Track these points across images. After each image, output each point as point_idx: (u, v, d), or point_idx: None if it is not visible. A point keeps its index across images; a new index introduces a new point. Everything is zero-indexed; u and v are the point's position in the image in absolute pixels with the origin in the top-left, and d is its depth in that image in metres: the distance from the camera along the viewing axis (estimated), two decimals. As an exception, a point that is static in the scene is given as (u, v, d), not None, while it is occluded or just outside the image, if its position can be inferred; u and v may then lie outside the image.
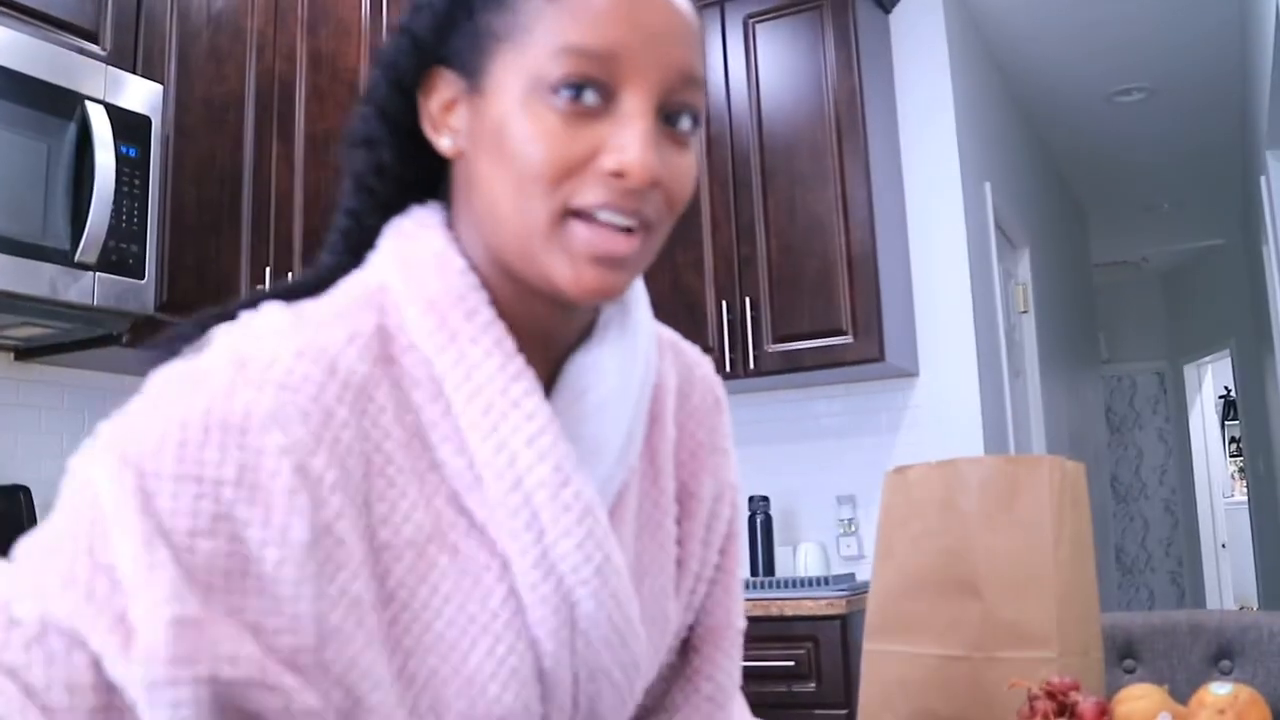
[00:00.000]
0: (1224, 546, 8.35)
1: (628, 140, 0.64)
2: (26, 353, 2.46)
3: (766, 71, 3.31)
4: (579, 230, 0.65)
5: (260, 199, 2.65)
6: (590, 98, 0.65)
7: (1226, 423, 8.98)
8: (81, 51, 2.22)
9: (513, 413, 0.66)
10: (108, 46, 2.30)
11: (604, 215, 0.65)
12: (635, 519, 0.76)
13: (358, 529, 0.61)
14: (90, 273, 2.13)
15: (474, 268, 0.70)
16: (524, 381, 0.67)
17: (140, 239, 2.23)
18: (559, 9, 0.65)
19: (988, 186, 3.92)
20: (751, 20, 3.35)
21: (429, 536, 0.65)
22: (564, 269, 0.65)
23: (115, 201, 2.16)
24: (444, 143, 0.71)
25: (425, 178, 0.74)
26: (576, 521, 0.67)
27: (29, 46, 2.08)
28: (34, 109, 2.07)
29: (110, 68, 2.23)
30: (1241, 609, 7.68)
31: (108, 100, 2.19)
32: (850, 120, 3.18)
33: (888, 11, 3.57)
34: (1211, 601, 8.10)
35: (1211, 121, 5.30)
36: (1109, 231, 7.18)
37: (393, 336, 0.67)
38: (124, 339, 2.32)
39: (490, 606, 0.66)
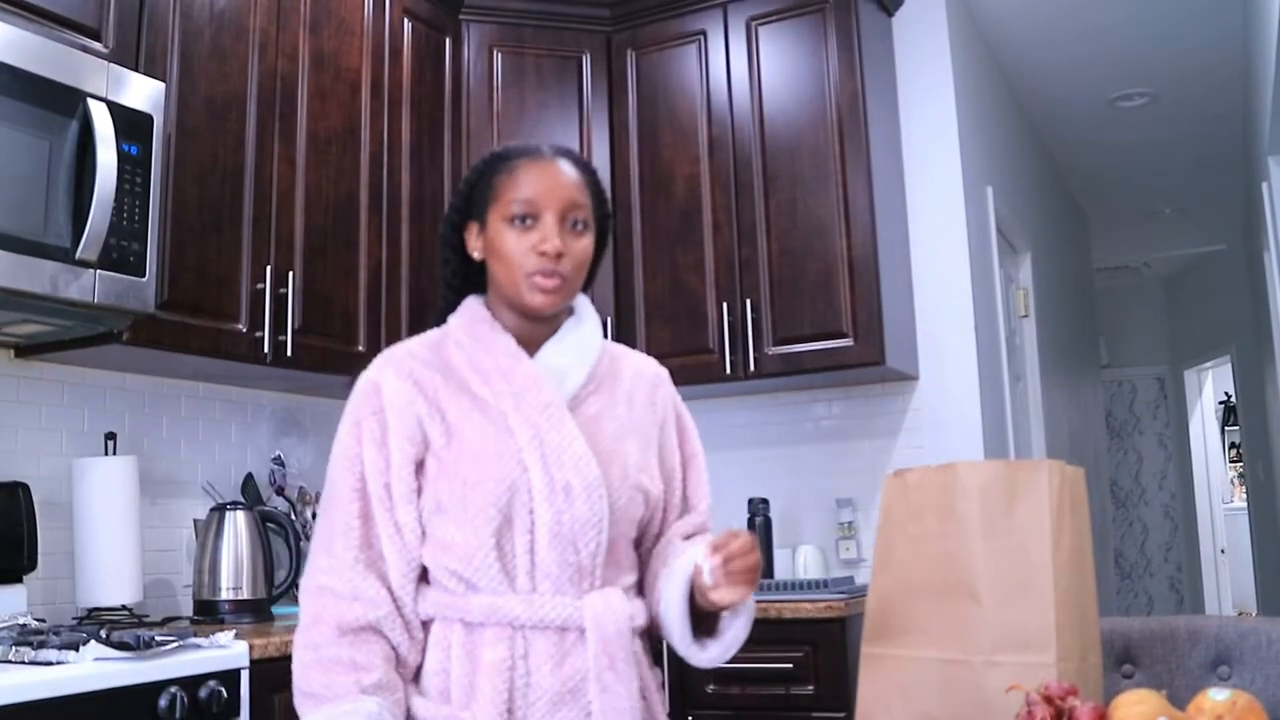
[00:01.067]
0: (1223, 552, 8.34)
1: (545, 237, 1.40)
2: (27, 350, 2.45)
3: (769, 74, 3.31)
4: (535, 281, 1.40)
5: (262, 197, 2.65)
6: (528, 221, 1.41)
7: (1226, 428, 8.98)
8: (84, 49, 2.22)
9: (510, 362, 1.42)
10: (110, 44, 2.30)
11: (539, 277, 1.40)
12: (596, 405, 1.45)
13: (425, 405, 1.39)
14: (91, 270, 2.13)
15: (495, 316, 1.46)
16: (514, 348, 1.44)
17: (141, 237, 2.23)
18: (511, 184, 1.42)
19: (989, 190, 3.92)
20: (754, 22, 3.35)
21: (465, 409, 1.39)
22: (533, 298, 1.41)
23: (117, 199, 2.16)
24: (475, 255, 1.47)
25: (476, 276, 1.50)
26: (540, 400, 1.39)
27: (31, 44, 2.08)
28: (36, 106, 2.07)
29: (113, 65, 2.23)
30: (1240, 615, 7.67)
31: (110, 98, 2.19)
32: (852, 123, 3.18)
33: (891, 15, 3.57)
34: (1210, 607, 8.10)
35: (1213, 127, 5.30)
36: (1110, 236, 7.18)
37: (445, 341, 1.47)
38: (124, 337, 2.32)
39: (491, 434, 1.38)
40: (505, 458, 1.35)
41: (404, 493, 1.37)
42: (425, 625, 1.38)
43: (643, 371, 1.53)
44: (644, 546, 1.50)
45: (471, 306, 1.47)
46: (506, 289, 1.41)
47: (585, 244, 1.43)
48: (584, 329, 1.48)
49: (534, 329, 1.45)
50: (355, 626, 1.33)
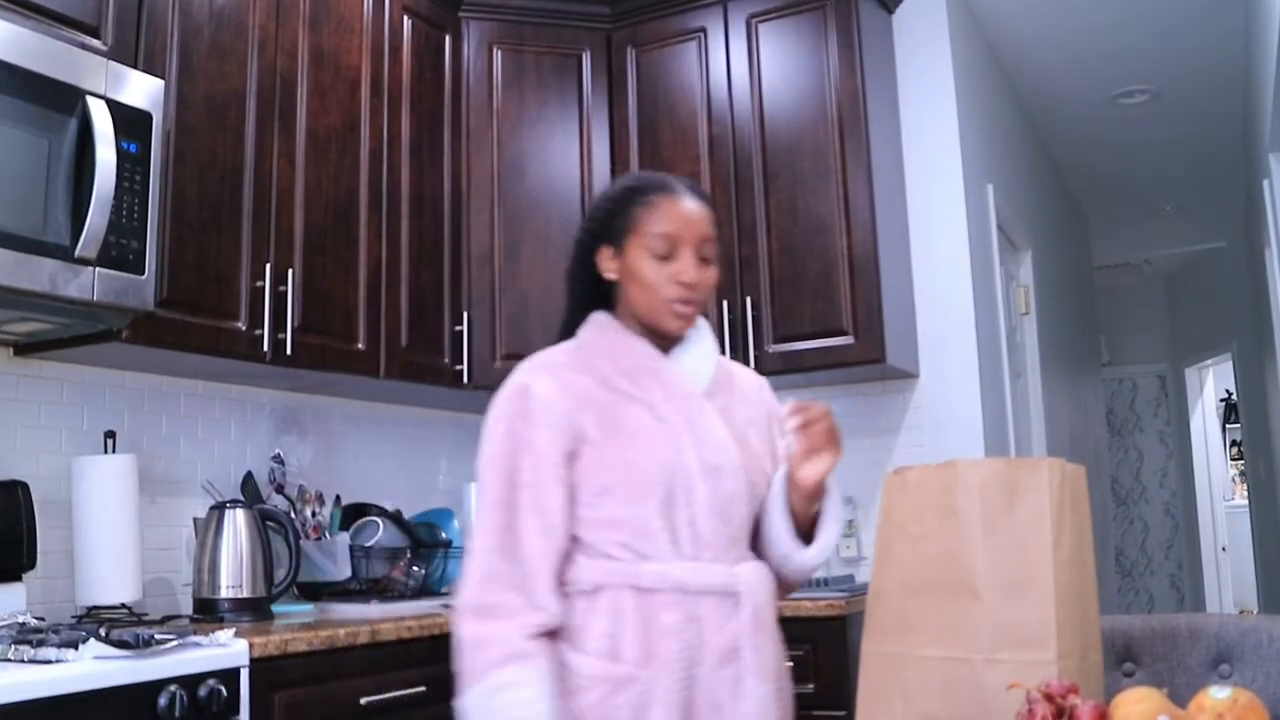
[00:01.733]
0: (1224, 550, 8.34)
1: (685, 269, 1.57)
2: (26, 348, 2.45)
3: (769, 72, 3.31)
4: (674, 308, 1.57)
5: (261, 195, 2.65)
6: (668, 255, 1.57)
7: (1227, 426, 8.97)
8: (83, 47, 2.21)
9: (653, 363, 1.59)
10: (109, 42, 2.29)
11: (677, 304, 1.57)
12: (720, 402, 1.62)
13: (575, 401, 1.53)
14: (90, 268, 2.13)
15: (625, 327, 1.62)
16: (654, 352, 1.60)
17: (141, 235, 2.23)
18: (653, 218, 1.58)
19: (990, 188, 3.91)
20: (754, 20, 3.35)
21: (617, 403, 1.55)
22: (671, 322, 1.58)
23: (116, 197, 2.15)
24: (609, 276, 1.62)
25: (600, 293, 1.65)
26: (685, 392, 1.58)
27: (30, 41, 2.08)
28: (35, 104, 2.06)
29: (112, 63, 2.22)
30: (1241, 613, 7.68)
31: (109, 96, 2.18)
32: (853, 121, 3.18)
33: (891, 12, 3.57)
34: (1211, 605, 8.10)
35: (1214, 124, 5.30)
36: (1111, 234, 7.18)
37: (584, 349, 1.62)
38: (124, 335, 2.32)
39: (648, 422, 1.54)
40: (663, 442, 1.52)
41: (557, 479, 1.50)
42: (585, 594, 1.50)
43: (748, 378, 1.74)
44: (768, 534, 1.65)
45: (602, 321, 1.63)
46: (644, 311, 1.59)
47: (712, 273, 1.60)
48: (705, 340, 1.66)
49: (662, 340, 1.62)
50: (525, 635, 1.44)
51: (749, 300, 3.23)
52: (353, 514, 3.16)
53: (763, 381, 1.76)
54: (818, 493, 1.57)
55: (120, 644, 1.87)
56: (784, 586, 1.66)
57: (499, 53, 3.46)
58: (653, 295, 1.56)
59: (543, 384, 1.53)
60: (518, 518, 1.48)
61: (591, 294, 1.65)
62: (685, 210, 1.58)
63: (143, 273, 2.23)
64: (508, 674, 1.42)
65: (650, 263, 1.56)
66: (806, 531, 1.61)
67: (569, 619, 1.50)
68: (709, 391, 1.61)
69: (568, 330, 1.67)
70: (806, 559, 1.61)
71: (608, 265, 1.61)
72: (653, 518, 1.49)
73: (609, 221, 1.61)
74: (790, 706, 1.62)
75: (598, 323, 1.64)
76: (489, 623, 1.45)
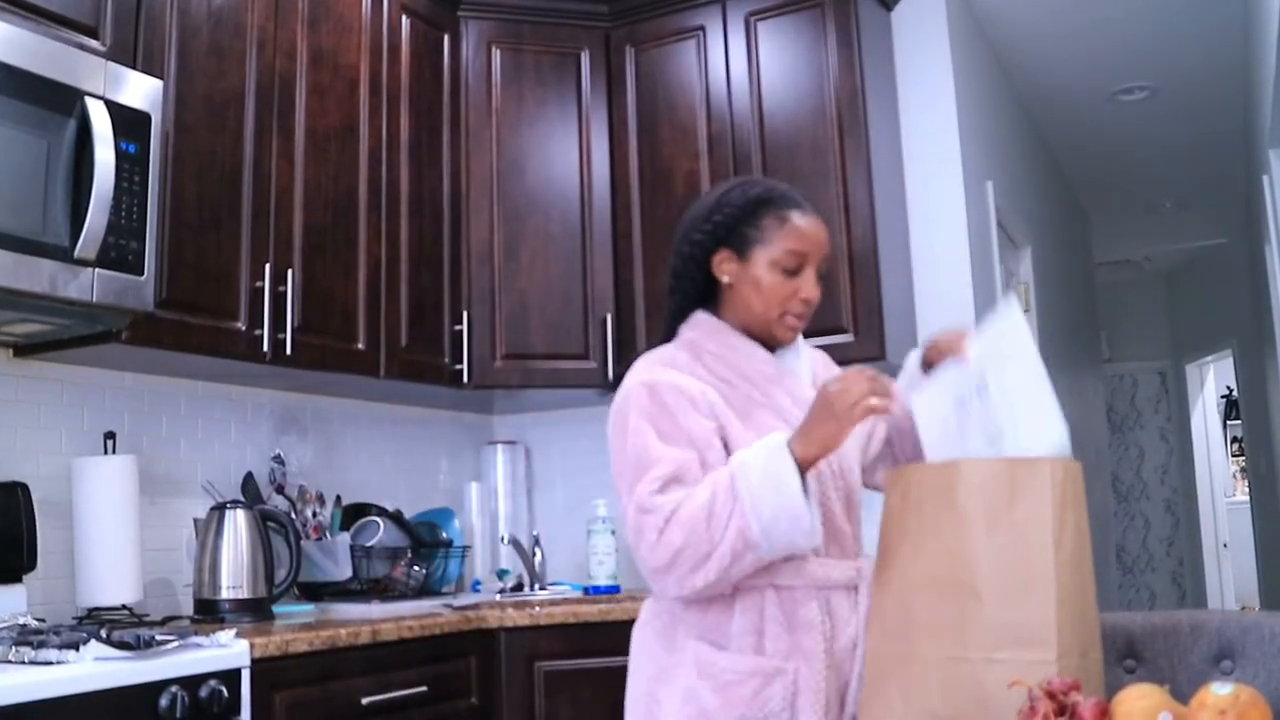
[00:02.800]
0: (1225, 546, 8.34)
1: (808, 286, 1.64)
2: (25, 349, 2.45)
3: (768, 69, 3.31)
4: (788, 321, 1.64)
5: (260, 195, 2.65)
6: (796, 270, 1.62)
7: (1228, 422, 8.97)
8: (81, 47, 2.21)
9: (769, 367, 1.66)
10: (108, 42, 2.29)
11: (791, 318, 1.64)
12: None
13: (703, 392, 1.58)
14: (90, 269, 2.13)
15: (733, 330, 1.67)
16: (770, 357, 1.67)
17: (140, 235, 2.22)
18: (784, 233, 1.62)
19: (989, 185, 3.91)
20: (753, 18, 3.35)
21: (742, 403, 1.62)
22: (783, 333, 1.66)
23: (115, 198, 2.15)
24: (724, 279, 1.66)
25: (702, 294, 1.70)
26: (804, 396, 1.60)
27: (29, 42, 2.07)
28: (34, 105, 2.06)
29: (110, 63, 2.22)
30: (1243, 609, 7.68)
31: (108, 96, 2.18)
32: (852, 118, 3.17)
33: (889, 9, 3.56)
34: (1213, 601, 8.10)
35: (1214, 120, 5.30)
36: (1111, 230, 7.18)
37: (698, 350, 1.66)
38: (123, 335, 2.31)
39: (780, 426, 1.56)
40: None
41: (717, 460, 1.55)
42: (724, 595, 1.55)
43: (829, 368, 1.80)
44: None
45: (708, 321, 1.68)
46: (758, 319, 1.64)
47: (821, 288, 1.66)
48: (800, 344, 1.74)
49: (767, 345, 1.68)
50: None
51: (749, 298, 3.23)
52: (353, 514, 3.16)
53: (830, 362, 1.82)
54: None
55: (121, 645, 1.87)
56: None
57: (498, 52, 3.46)
58: (772, 306, 1.62)
59: (671, 378, 1.59)
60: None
61: (701, 293, 1.69)
62: (814, 228, 1.64)
63: (142, 273, 2.23)
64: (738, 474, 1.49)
65: (777, 275, 1.61)
66: None
67: (708, 619, 1.56)
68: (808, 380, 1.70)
69: (672, 325, 1.72)
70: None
71: (725, 268, 1.65)
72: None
73: (735, 227, 1.64)
74: None
75: (705, 324, 1.68)
76: (686, 506, 1.49)
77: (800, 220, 1.63)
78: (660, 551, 1.49)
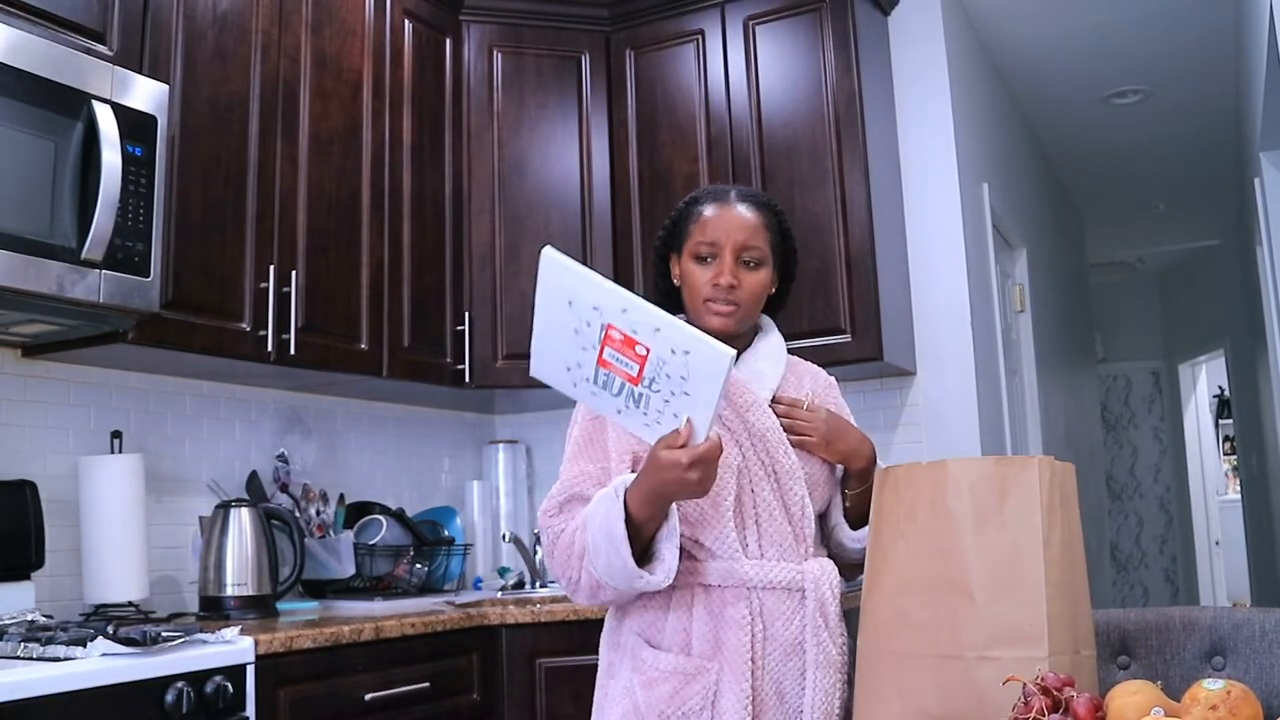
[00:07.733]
0: (1218, 544, 8.38)
1: (720, 272, 1.66)
2: (33, 349, 2.47)
3: (766, 73, 3.33)
4: (711, 308, 1.67)
5: (265, 198, 2.66)
6: (709, 259, 1.67)
7: (1220, 421, 9.01)
8: (88, 51, 2.23)
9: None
10: (114, 47, 2.31)
11: (713, 304, 1.67)
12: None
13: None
14: (96, 270, 2.15)
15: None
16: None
17: (146, 237, 2.24)
18: (697, 225, 1.69)
19: (985, 187, 3.94)
20: (751, 22, 3.37)
21: None
22: (711, 321, 1.65)
23: (121, 200, 2.17)
24: (676, 282, 1.74)
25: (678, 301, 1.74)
26: (748, 400, 1.64)
27: (36, 46, 2.09)
28: (41, 108, 2.08)
29: (117, 68, 2.24)
30: (1235, 606, 7.70)
31: (114, 100, 2.20)
32: (849, 121, 3.20)
33: (886, 14, 3.59)
34: (1205, 598, 8.14)
35: (1207, 123, 5.32)
36: (1105, 232, 7.20)
37: None
38: (129, 336, 2.33)
39: (718, 426, 1.54)
40: (729, 446, 1.59)
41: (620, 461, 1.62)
42: (659, 593, 1.59)
43: (817, 376, 1.82)
44: (829, 522, 1.75)
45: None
46: (691, 313, 1.69)
47: (758, 277, 1.69)
48: (772, 342, 1.77)
49: (729, 342, 1.54)
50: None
51: (747, 299, 3.25)
52: (356, 512, 3.18)
53: (831, 381, 1.85)
54: (862, 475, 1.68)
55: (128, 641, 1.89)
56: (850, 568, 1.72)
57: (499, 55, 3.48)
58: (695, 296, 1.68)
59: None
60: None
61: (670, 298, 1.76)
62: (727, 217, 1.68)
63: (148, 274, 2.25)
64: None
65: (695, 266, 1.68)
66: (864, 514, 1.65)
67: (646, 616, 1.62)
68: (780, 392, 1.70)
69: None
70: (851, 536, 1.71)
71: (675, 272, 1.74)
72: (724, 518, 1.59)
73: (674, 230, 1.75)
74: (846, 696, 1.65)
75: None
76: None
77: (710, 211, 1.69)
78: (552, 567, 1.62)
